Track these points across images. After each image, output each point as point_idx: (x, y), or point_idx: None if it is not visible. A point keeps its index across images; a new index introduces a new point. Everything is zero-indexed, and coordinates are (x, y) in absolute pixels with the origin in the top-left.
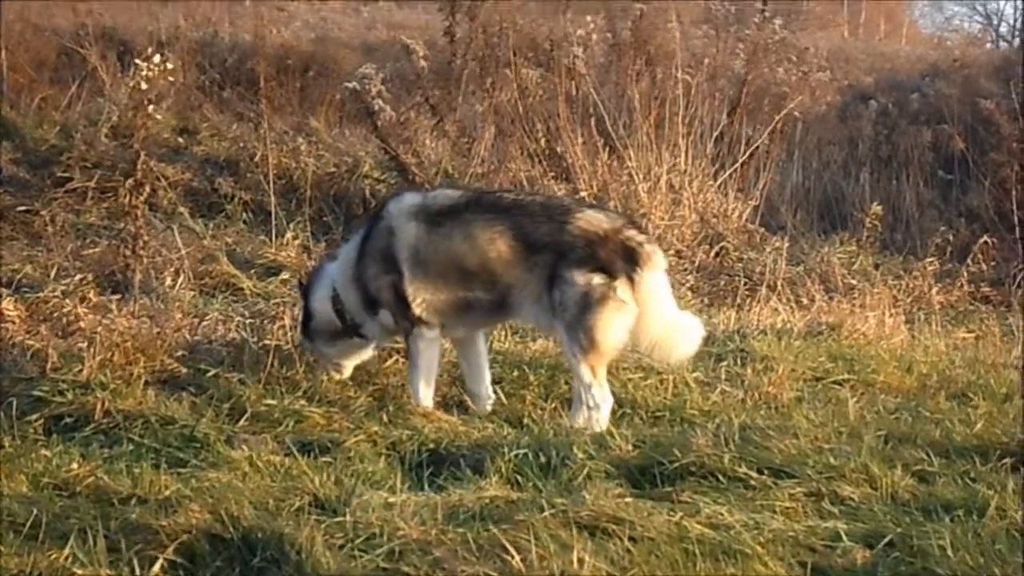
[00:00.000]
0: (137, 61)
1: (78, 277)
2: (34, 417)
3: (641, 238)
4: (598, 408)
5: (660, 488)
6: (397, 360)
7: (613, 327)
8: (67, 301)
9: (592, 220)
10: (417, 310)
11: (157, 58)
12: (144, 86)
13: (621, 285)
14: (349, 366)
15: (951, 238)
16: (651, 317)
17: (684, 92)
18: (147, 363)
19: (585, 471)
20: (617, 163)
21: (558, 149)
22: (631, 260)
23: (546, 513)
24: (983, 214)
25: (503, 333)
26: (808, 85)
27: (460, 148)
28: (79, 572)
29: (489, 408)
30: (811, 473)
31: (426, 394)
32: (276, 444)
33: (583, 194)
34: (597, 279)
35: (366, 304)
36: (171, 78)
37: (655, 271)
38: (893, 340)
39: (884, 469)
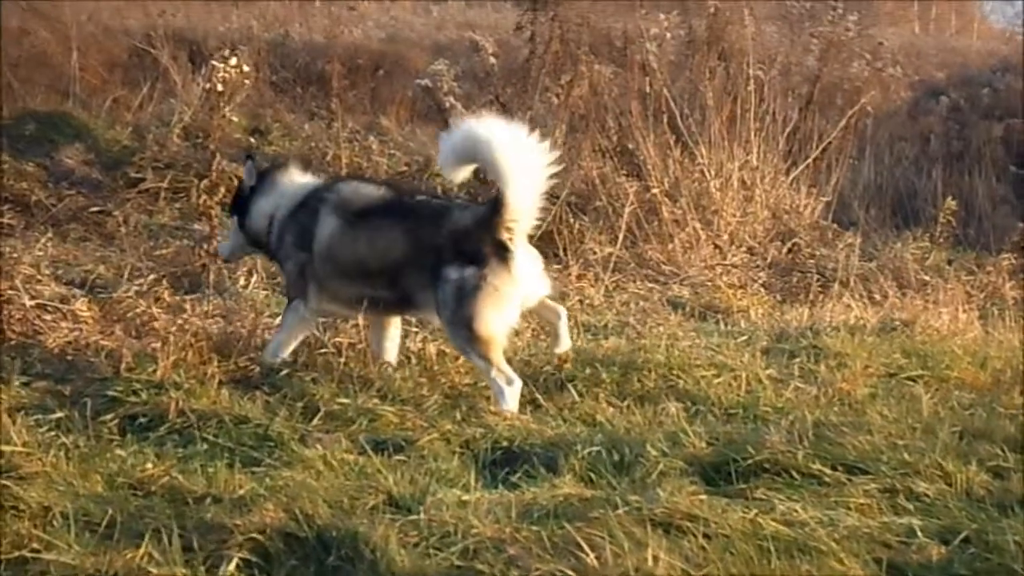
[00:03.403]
0: (214, 63)
1: (151, 277)
2: (109, 417)
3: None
4: (502, 393)
5: (734, 485)
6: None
7: (488, 315)
8: (141, 301)
9: (458, 220)
10: (318, 298)
11: (234, 60)
12: (220, 88)
13: (492, 271)
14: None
15: None
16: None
17: (757, 89)
18: (221, 362)
19: (659, 468)
20: (689, 160)
21: (630, 146)
22: (500, 243)
23: (620, 511)
24: None
25: (575, 331)
26: (880, 81)
27: None
28: (154, 571)
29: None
30: (885, 469)
31: (283, 353)
32: (350, 443)
33: (655, 191)
34: (468, 271)
35: (271, 247)
36: (246, 80)
37: (519, 249)
38: (967, 336)
39: (959, 465)
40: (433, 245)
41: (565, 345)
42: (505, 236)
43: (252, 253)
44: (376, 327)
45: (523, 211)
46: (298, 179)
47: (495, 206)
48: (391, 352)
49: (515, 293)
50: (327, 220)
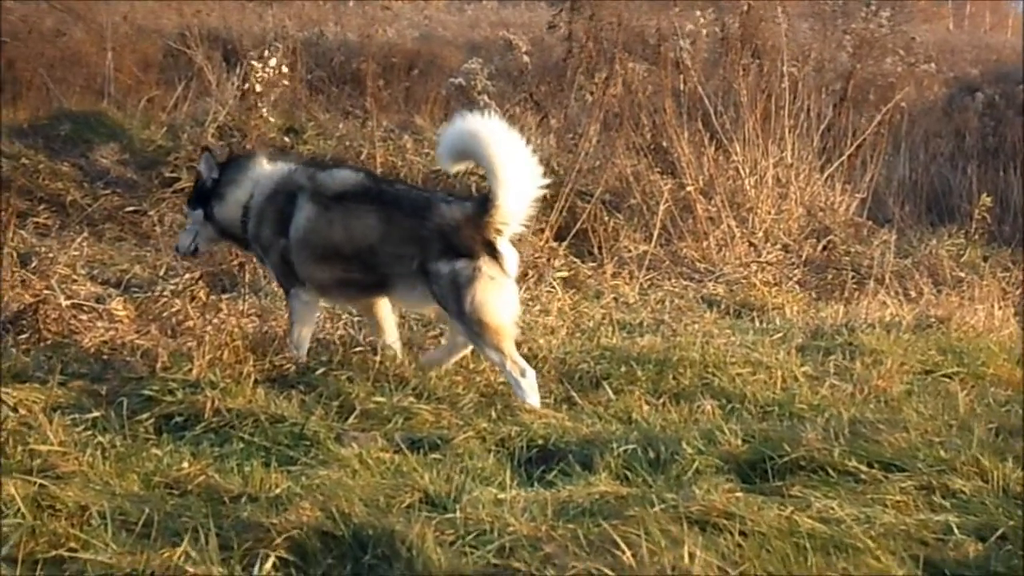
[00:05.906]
0: (253, 63)
1: (187, 276)
2: (145, 416)
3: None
4: (518, 385)
5: (770, 483)
6: None
7: (492, 303)
8: (176, 301)
9: (445, 214)
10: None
11: (273, 61)
12: (258, 88)
13: (486, 263)
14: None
15: None
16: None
17: (790, 85)
18: (256, 361)
19: (695, 466)
20: (723, 157)
21: (664, 144)
22: (488, 241)
23: (656, 508)
24: None
25: (610, 328)
26: (914, 77)
27: (566, 144)
28: (191, 570)
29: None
30: (922, 466)
31: (304, 344)
32: (386, 441)
33: (689, 188)
34: (460, 263)
35: (248, 235)
36: (285, 82)
37: (506, 248)
38: (1002, 332)
39: (995, 462)
40: (418, 236)
41: None
42: (494, 236)
43: (217, 246)
44: (367, 313)
45: (515, 215)
46: (269, 166)
47: (486, 207)
48: (391, 333)
49: (509, 284)
50: (304, 206)
